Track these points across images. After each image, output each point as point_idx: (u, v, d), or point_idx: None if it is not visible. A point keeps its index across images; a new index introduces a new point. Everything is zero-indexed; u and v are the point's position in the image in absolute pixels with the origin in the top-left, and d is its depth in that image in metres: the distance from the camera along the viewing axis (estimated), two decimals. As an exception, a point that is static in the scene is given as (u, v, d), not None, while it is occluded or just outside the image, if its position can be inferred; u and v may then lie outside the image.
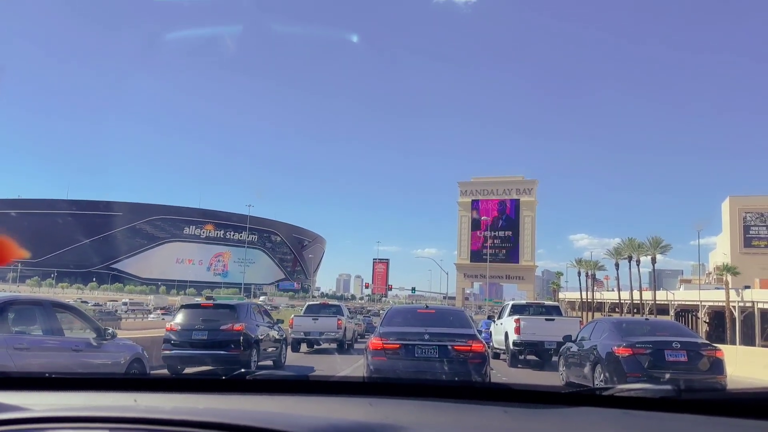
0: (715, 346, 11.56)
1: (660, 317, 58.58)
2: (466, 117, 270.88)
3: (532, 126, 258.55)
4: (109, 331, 8.42)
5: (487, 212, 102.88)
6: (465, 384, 3.54)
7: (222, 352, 12.00)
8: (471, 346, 9.33)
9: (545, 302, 24.27)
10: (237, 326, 12.35)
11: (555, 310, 20.67)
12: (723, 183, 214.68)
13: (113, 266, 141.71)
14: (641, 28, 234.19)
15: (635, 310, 60.68)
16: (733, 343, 46.14)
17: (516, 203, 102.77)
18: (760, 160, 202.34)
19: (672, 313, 58.91)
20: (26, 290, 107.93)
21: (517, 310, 19.91)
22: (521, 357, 18.15)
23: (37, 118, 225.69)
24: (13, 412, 1.61)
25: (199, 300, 18.39)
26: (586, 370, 11.80)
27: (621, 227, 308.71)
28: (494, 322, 22.85)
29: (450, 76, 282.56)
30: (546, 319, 18.34)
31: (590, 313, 67.25)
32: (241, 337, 12.33)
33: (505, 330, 18.93)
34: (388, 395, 2.10)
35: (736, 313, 51.13)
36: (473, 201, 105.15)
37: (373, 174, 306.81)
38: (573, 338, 13.30)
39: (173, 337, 12.35)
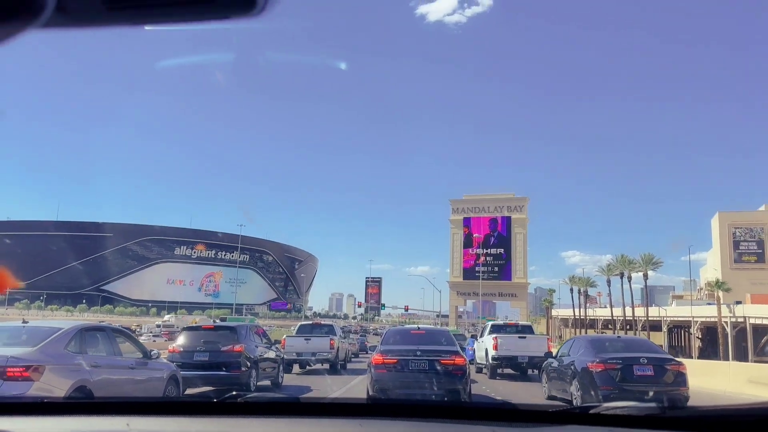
0: (679, 361, 12.65)
1: (652, 333, 58.89)
2: (457, 135, 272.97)
3: (522, 143, 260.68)
4: (154, 352, 9.71)
5: (479, 230, 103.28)
6: (454, 404, 3.67)
7: (223, 373, 12.19)
8: (454, 360, 11.19)
9: (520, 322, 27.10)
10: (237, 347, 12.54)
11: (528, 329, 23.50)
12: (712, 199, 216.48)
13: (103, 288, 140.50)
14: (627, 44, 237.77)
15: (628, 327, 60.84)
16: (726, 358, 46.33)
17: (507, 220, 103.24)
18: (747, 176, 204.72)
19: (664, 329, 59.14)
20: (15, 313, 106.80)
21: (495, 329, 22.51)
22: (499, 370, 20.49)
23: (26, 139, 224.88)
24: None
25: (198, 321, 18.55)
26: (565, 384, 12.82)
27: (612, 244, 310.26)
28: (477, 340, 25.36)
29: (440, 94, 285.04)
30: (519, 337, 20.80)
31: (583, 330, 67.30)
32: (242, 358, 12.52)
33: (485, 347, 21.45)
34: (380, 416, 2.14)
35: (728, 329, 51.43)
36: (465, 218, 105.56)
37: (365, 193, 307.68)
38: (554, 355, 14.57)
39: (176, 359, 12.48)
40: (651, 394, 11.29)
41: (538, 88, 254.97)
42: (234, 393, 2.42)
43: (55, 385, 6.98)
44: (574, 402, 12.11)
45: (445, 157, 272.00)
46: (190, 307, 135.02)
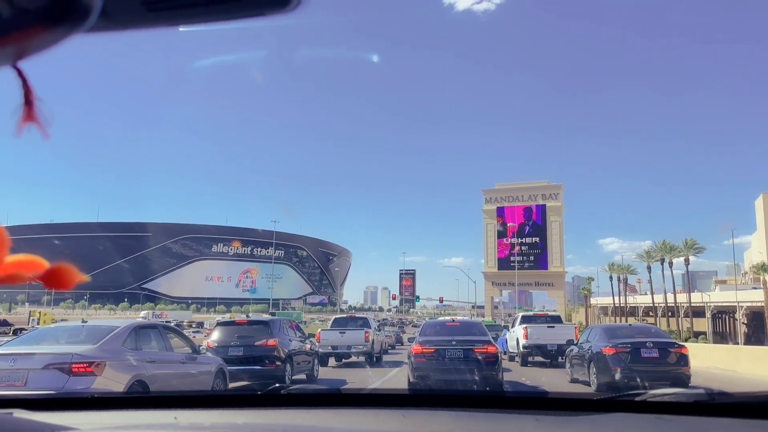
0: (681, 344, 14.61)
1: (695, 320, 57.38)
2: (489, 124, 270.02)
3: (556, 130, 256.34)
4: (202, 347, 10.30)
5: (513, 219, 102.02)
6: (496, 394, 3.59)
7: (258, 367, 12.36)
8: (487, 348, 12.13)
9: (549, 313, 29.01)
10: (271, 342, 12.68)
11: (556, 319, 24.79)
12: (756, 180, 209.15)
13: (144, 286, 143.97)
14: (666, 23, 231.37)
15: (669, 314, 59.40)
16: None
17: (542, 209, 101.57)
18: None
19: (708, 315, 57.52)
20: (61, 313, 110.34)
21: (525, 320, 23.70)
22: (530, 358, 21.80)
23: (67, 141, 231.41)
24: None
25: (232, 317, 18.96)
26: (584, 367, 14.39)
27: (651, 229, 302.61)
28: (509, 330, 27.00)
29: (471, 83, 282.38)
30: (548, 327, 22.04)
31: (623, 318, 66.01)
32: (275, 352, 12.67)
33: (516, 336, 22.90)
34: (421, 407, 2.14)
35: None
36: (498, 208, 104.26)
37: (398, 186, 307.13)
38: (575, 342, 16.14)
39: (212, 354, 12.59)
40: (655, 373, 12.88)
41: (572, 73, 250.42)
42: (277, 385, 2.45)
43: (115, 380, 7.36)
44: (591, 382, 13.78)
45: (478, 148, 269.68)
46: (229, 303, 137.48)
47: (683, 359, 13.33)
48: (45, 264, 0.59)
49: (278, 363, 12.56)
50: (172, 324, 12.07)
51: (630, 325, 19.53)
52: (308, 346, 15.19)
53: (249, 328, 13.50)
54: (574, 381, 15.31)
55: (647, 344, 13.35)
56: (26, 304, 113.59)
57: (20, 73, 0.51)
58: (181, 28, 0.64)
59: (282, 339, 13.11)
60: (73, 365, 7.12)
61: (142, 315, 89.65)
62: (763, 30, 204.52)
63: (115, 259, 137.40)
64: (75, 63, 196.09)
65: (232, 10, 0.61)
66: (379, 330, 27.81)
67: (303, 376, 14.49)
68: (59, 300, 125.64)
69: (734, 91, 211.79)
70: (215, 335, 13.58)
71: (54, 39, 0.48)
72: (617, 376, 12.82)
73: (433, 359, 11.91)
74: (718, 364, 22.09)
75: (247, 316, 15.49)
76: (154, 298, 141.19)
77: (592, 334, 15.16)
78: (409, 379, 12.32)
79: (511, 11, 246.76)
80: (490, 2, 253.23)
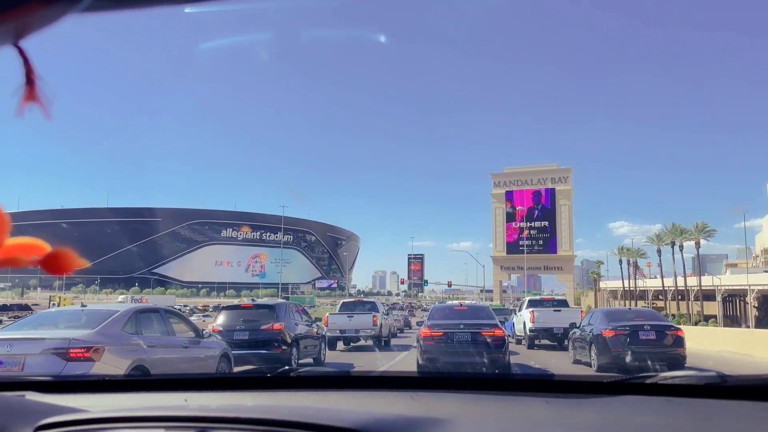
0: (677, 327, 15.32)
1: (706, 303, 56.98)
2: (496, 107, 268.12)
3: (566, 113, 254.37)
4: (205, 331, 10.14)
5: (522, 203, 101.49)
6: (506, 376, 3.54)
7: (263, 351, 12.27)
8: (494, 332, 12.34)
9: (556, 297, 29.06)
10: (276, 325, 12.60)
11: (563, 303, 24.84)
12: (765, 164, 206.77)
13: (155, 271, 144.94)
14: (677, 7, 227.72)
15: (680, 297, 59.05)
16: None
17: (551, 192, 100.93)
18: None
19: (719, 298, 57.12)
20: (71, 297, 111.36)
21: (532, 303, 24.00)
22: (536, 341, 22.17)
23: (74, 126, 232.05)
24: (72, 414, 1.70)
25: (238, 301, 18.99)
26: (586, 349, 15.06)
27: (661, 213, 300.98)
28: (515, 314, 27.06)
29: (481, 67, 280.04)
30: (554, 310, 22.26)
31: (633, 302, 65.70)
32: (281, 336, 12.59)
33: (523, 320, 23.26)
34: (430, 389, 2.14)
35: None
36: (507, 192, 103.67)
37: (405, 170, 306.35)
38: (577, 325, 16.78)
39: None
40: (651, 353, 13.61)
41: (582, 57, 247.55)
42: (287, 368, 2.58)
43: (114, 365, 7.28)
44: (593, 363, 14.46)
45: (487, 132, 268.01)
46: (238, 287, 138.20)
47: (679, 341, 14.09)
48: (46, 248, 0.59)
49: (284, 347, 12.49)
50: (177, 309, 11.81)
51: (629, 309, 20.58)
52: (315, 330, 15.15)
53: (254, 312, 13.41)
54: (576, 362, 16.02)
55: (645, 327, 14.07)
56: (38, 288, 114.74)
57: (21, 52, 0.50)
58: (187, 9, 0.62)
59: (288, 323, 13.04)
60: (71, 350, 7.03)
61: (120, 299, 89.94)
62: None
63: (126, 244, 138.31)
64: (81, 46, 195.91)
65: None
66: (387, 314, 27.97)
67: (310, 360, 14.47)
68: (71, 285, 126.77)
69: (744, 74, 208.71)
70: (220, 319, 13.52)
71: (53, 16, 0.48)
72: (616, 356, 13.64)
73: (441, 342, 12.16)
74: (731, 348, 21.89)
75: (252, 300, 15.40)
76: (164, 282, 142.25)
77: (593, 317, 15.84)
78: (417, 362, 12.52)
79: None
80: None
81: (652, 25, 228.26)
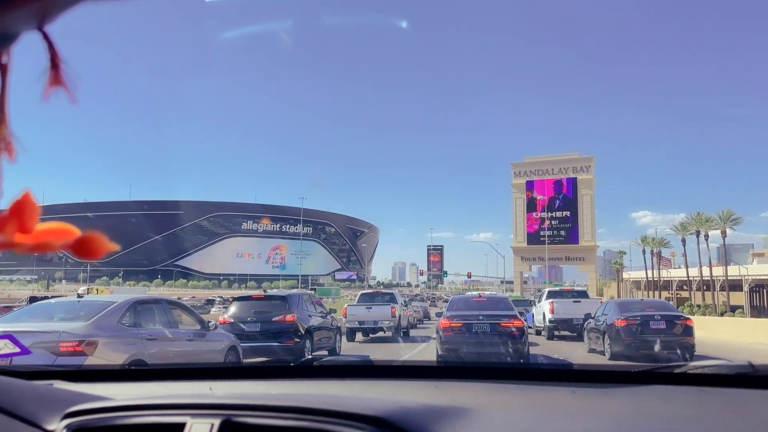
0: (687, 317, 15.82)
1: (732, 293, 55.74)
2: (517, 97, 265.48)
3: (587, 102, 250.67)
4: (212, 323, 9.71)
5: (543, 193, 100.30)
6: (529, 365, 3.60)
7: (275, 344, 12.04)
8: (513, 322, 12.34)
9: (575, 288, 29.47)
10: (289, 317, 12.36)
11: (582, 294, 24.97)
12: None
13: (177, 263, 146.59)
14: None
15: (705, 288, 57.87)
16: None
17: (573, 182, 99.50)
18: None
19: (745, 288, 55.84)
20: (106, 288, 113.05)
21: (552, 295, 24.04)
22: (556, 332, 22.21)
23: (98, 122, 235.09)
24: (99, 402, 1.72)
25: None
26: (599, 338, 15.67)
27: (685, 202, 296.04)
28: (535, 305, 27.22)
29: (501, 55, 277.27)
30: (574, 301, 22.29)
31: (657, 293, 64.60)
32: (294, 328, 12.33)
33: (542, 311, 23.37)
34: (454, 378, 2.14)
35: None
36: (527, 182, 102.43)
37: (424, 161, 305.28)
38: (592, 315, 17.20)
39: (226, 330, 12.11)
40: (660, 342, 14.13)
41: (604, 44, 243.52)
42: (310, 357, 2.38)
43: (109, 359, 7.00)
44: (606, 352, 14.97)
45: (507, 121, 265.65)
46: (259, 279, 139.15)
47: (688, 330, 14.66)
48: (76, 232, 0.60)
49: (297, 339, 12.23)
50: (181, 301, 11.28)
51: (642, 300, 21.38)
52: (330, 321, 14.90)
53: (266, 304, 13.16)
54: (591, 351, 16.58)
55: (655, 317, 14.63)
56: (63, 281, 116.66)
57: (46, 36, 0.50)
58: None
59: (301, 314, 12.79)
60: (61, 344, 6.71)
61: (80, 290, 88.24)
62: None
63: (149, 237, 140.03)
64: (101, 34, 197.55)
65: None
66: (406, 305, 28.05)
67: (324, 353, 14.27)
68: (95, 277, 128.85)
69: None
70: (232, 311, 13.27)
71: (63, 4, 0.47)
72: (628, 345, 14.28)
73: (460, 333, 12.21)
74: (765, 339, 21.26)
75: (265, 291, 15.18)
76: (186, 274, 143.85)
77: (607, 308, 16.46)
78: (437, 352, 12.57)
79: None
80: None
81: (677, 13, 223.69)
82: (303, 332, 12.53)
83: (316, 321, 13.64)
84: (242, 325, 12.41)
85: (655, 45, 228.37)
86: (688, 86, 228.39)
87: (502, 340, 11.98)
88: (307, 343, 12.59)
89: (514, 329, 12.20)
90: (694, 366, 1.94)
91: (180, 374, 2.44)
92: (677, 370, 1.93)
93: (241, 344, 11.62)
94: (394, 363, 2.55)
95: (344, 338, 20.90)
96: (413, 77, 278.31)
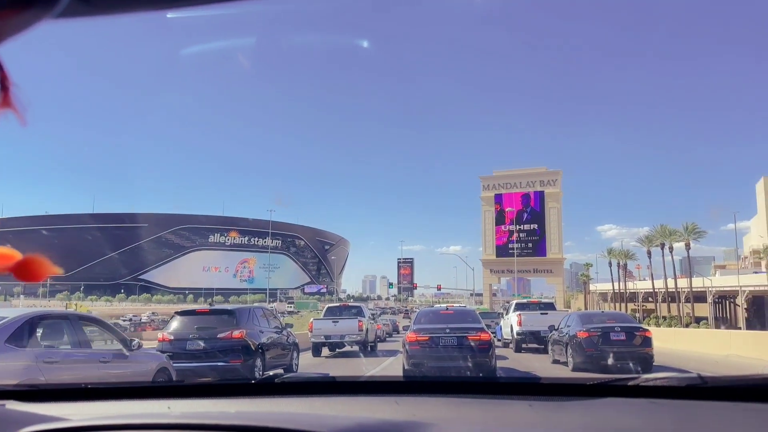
0: (646, 328, 16.13)
1: (696, 305, 56.46)
2: (485, 111, 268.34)
3: (552, 117, 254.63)
4: (135, 342, 8.56)
5: (511, 206, 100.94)
6: (489, 380, 3.50)
7: (220, 363, 10.93)
8: (480, 336, 12.13)
9: (543, 300, 29.48)
10: (236, 333, 11.29)
11: (549, 306, 25.09)
12: (754, 165, 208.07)
13: (141, 277, 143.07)
14: (665, 7, 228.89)
15: (670, 299, 58.52)
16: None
17: (540, 195, 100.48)
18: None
19: (710, 300, 56.61)
20: (57, 305, 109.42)
21: (519, 307, 23.97)
22: (523, 344, 22.18)
23: (58, 134, 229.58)
24: (55, 423, 1.68)
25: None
26: (563, 349, 16.08)
27: (649, 216, 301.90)
28: (503, 317, 27.09)
29: (468, 70, 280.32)
30: (541, 313, 22.26)
31: (623, 305, 65.14)
32: (241, 345, 11.28)
33: (510, 323, 23.32)
34: (414, 393, 2.13)
35: (780, 298, 48.64)
36: (496, 195, 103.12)
37: (394, 174, 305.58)
38: (556, 327, 17.46)
39: (166, 348, 11.24)
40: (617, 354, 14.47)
41: (570, 59, 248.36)
42: (272, 374, 2.08)
43: None
44: (569, 363, 15.35)
45: (475, 136, 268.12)
46: (226, 293, 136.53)
47: (647, 341, 15.07)
48: (17, 255, 0.57)
49: (245, 358, 11.17)
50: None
51: (603, 312, 21.63)
52: (286, 337, 13.92)
53: (211, 318, 12.05)
54: (555, 362, 16.96)
55: (616, 328, 15.02)
56: (21, 296, 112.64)
57: None
58: (169, 14, 0.61)
59: (251, 330, 11.76)
60: None
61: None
62: (762, 14, 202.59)
63: (111, 250, 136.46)
64: (60, 51, 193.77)
65: None
66: (374, 319, 27.48)
67: (280, 371, 13.33)
68: (55, 292, 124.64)
69: (731, 77, 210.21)
70: (172, 326, 12.03)
71: (27, 22, 0.47)
72: (590, 356, 14.63)
73: (427, 347, 11.99)
74: (739, 351, 21.08)
75: (210, 304, 14.20)
76: (150, 289, 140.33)
77: (570, 319, 16.81)
78: (403, 367, 12.30)
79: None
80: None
81: (639, 25, 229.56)
82: (253, 350, 11.55)
83: (269, 337, 12.62)
84: (183, 343, 11.33)
85: (618, 61, 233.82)
86: (652, 101, 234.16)
87: (469, 353, 11.80)
88: (258, 362, 11.58)
89: (481, 342, 12.02)
90: (646, 378, 1.95)
91: (137, 392, 2.36)
92: (631, 383, 1.93)
93: (182, 364, 10.66)
94: (356, 379, 2.49)
95: (309, 354, 20.60)
96: (381, 93, 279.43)
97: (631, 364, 14.72)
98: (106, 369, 7.62)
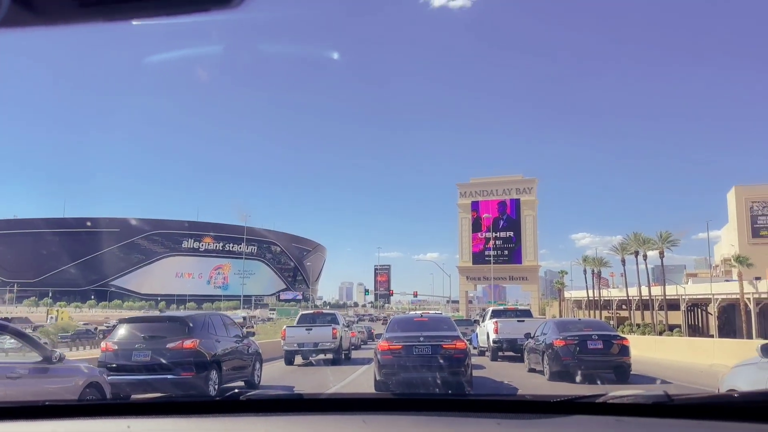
0: (623, 336, 15.79)
1: (669, 312, 56.76)
2: (462, 119, 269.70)
3: (528, 125, 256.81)
4: (57, 354, 7.64)
5: (488, 213, 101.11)
6: (457, 397, 3.30)
7: (169, 377, 9.93)
8: (455, 344, 11.58)
9: (519, 307, 28.61)
10: (188, 343, 10.32)
11: (526, 313, 24.43)
12: (724, 175, 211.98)
13: (112, 283, 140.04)
14: (637, 22, 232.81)
15: (643, 307, 58.78)
16: (750, 336, 44.14)
17: (516, 203, 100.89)
18: (763, 149, 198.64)
19: (683, 307, 56.96)
20: (24, 311, 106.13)
21: (495, 314, 23.43)
22: (500, 353, 21.61)
23: (29, 140, 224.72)
24: None
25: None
26: (539, 357, 15.66)
27: (621, 225, 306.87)
28: (479, 324, 26.48)
29: (445, 78, 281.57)
30: (518, 321, 21.72)
31: (597, 312, 65.31)
32: (193, 356, 10.31)
33: (486, 331, 22.70)
34: (382, 411, 2.11)
35: (751, 306, 49.06)
36: (473, 202, 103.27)
37: (371, 181, 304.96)
38: (532, 335, 17.03)
39: (109, 360, 10.27)
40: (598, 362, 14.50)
41: (543, 67, 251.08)
42: (236, 391, 2.37)
43: None
44: (545, 371, 14.94)
45: (452, 143, 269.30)
46: (200, 300, 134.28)
47: (624, 350, 14.73)
48: None
49: (197, 370, 10.20)
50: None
51: (579, 319, 21.62)
52: (247, 347, 12.98)
53: (162, 326, 11.07)
54: (531, 370, 16.51)
55: (593, 336, 14.71)
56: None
57: None
58: (134, 21, 0.62)
59: (205, 339, 10.82)
60: None
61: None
62: (734, 25, 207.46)
63: (82, 256, 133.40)
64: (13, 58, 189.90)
65: (172, 5, 0.58)
66: (348, 326, 27.11)
67: (241, 384, 12.49)
68: (22, 297, 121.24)
69: (704, 87, 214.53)
70: (117, 335, 10.95)
71: None
72: (566, 365, 14.19)
73: (400, 356, 11.41)
74: (725, 361, 20.44)
75: (161, 311, 13.23)
76: (122, 295, 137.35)
77: (546, 327, 16.39)
78: (375, 377, 11.74)
79: (488, 9, 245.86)
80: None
81: (613, 34, 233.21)
82: (207, 361, 10.62)
83: (226, 347, 11.64)
84: (128, 354, 10.35)
85: (595, 70, 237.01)
86: (625, 111, 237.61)
87: (444, 362, 11.26)
88: (213, 375, 10.69)
89: (456, 351, 11.49)
90: (613, 395, 1.93)
91: (97, 410, 2.26)
92: (598, 400, 1.93)
93: (126, 377, 9.79)
94: (323, 396, 2.42)
95: (282, 362, 20.28)
96: (358, 99, 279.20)
97: (612, 374, 14.49)
98: (16, 385, 6.68)
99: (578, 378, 13.91)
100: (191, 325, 10.93)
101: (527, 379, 15.17)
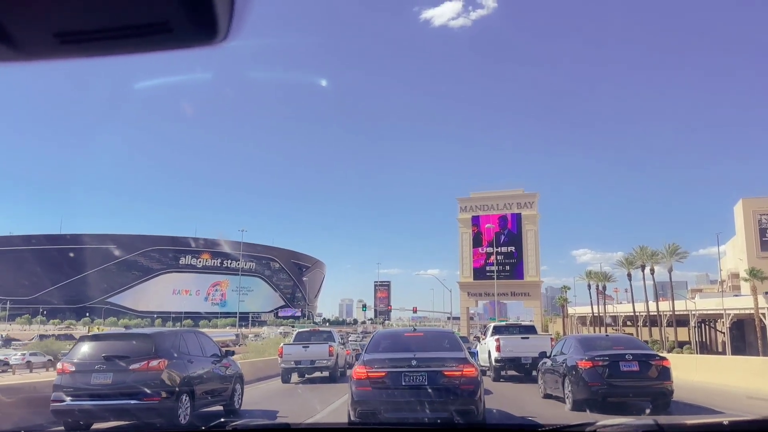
0: (663, 356, 12.99)
1: (678, 328, 55.27)
2: (463, 134, 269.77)
3: (530, 139, 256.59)
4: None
5: (489, 227, 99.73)
6: (446, 426, 3.76)
7: (133, 402, 8.61)
8: (462, 371, 8.48)
9: (522, 323, 27.18)
10: (154, 364, 8.98)
11: (531, 330, 23.01)
12: (729, 188, 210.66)
13: (108, 300, 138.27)
14: (639, 33, 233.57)
15: (651, 323, 57.21)
16: (766, 353, 42.51)
17: (518, 217, 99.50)
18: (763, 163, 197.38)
19: (692, 323, 55.36)
20: (17, 329, 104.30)
21: (498, 330, 22.11)
22: (503, 372, 20.12)
23: (24, 157, 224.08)
24: None
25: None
26: (558, 382, 13.23)
27: (623, 241, 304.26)
28: (480, 342, 25.22)
29: (446, 93, 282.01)
30: (522, 338, 20.33)
31: (603, 328, 63.68)
32: (159, 379, 8.96)
33: (488, 348, 20.99)
34: None
35: (766, 321, 47.39)
36: (473, 217, 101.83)
37: (371, 197, 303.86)
38: (548, 354, 15.06)
39: (66, 383, 8.93)
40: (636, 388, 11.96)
41: (545, 83, 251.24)
42: (222, 420, 2.27)
43: None
44: (567, 399, 12.42)
45: (452, 158, 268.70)
46: (196, 317, 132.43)
47: (665, 373, 12.10)
48: None
49: (164, 395, 8.86)
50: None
51: (607, 335, 18.31)
52: (225, 367, 11.55)
53: (125, 345, 9.74)
54: (547, 396, 14.30)
55: (626, 356, 12.17)
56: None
57: None
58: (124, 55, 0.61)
59: (176, 359, 9.49)
60: None
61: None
62: (740, 34, 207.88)
63: (78, 272, 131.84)
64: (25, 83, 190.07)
65: (154, 42, 0.57)
66: (344, 343, 26.90)
67: (219, 408, 11.03)
68: (15, 315, 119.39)
69: (708, 97, 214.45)
70: (76, 355, 9.56)
71: None
72: (595, 392, 11.72)
73: (382, 388, 8.32)
74: (737, 383, 17.52)
75: (126, 327, 11.80)
76: (118, 312, 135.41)
77: (566, 345, 14.00)
78: (349, 417, 8.44)
79: (488, 27, 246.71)
80: (466, 18, 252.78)
81: (615, 47, 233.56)
82: (177, 383, 9.24)
83: (200, 368, 10.31)
84: (87, 376, 9.01)
85: (596, 82, 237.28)
86: (629, 127, 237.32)
87: (445, 397, 8.22)
88: (184, 399, 9.29)
89: (464, 380, 8.36)
90: (602, 424, 1.88)
91: None
92: (587, 429, 1.88)
93: (83, 403, 8.36)
94: (311, 426, 2.02)
95: (279, 380, 20.27)
96: (358, 115, 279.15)
97: (649, 402, 11.63)
98: None
99: (612, 404, 11.55)
100: (159, 343, 9.52)
101: (544, 408, 12.90)
